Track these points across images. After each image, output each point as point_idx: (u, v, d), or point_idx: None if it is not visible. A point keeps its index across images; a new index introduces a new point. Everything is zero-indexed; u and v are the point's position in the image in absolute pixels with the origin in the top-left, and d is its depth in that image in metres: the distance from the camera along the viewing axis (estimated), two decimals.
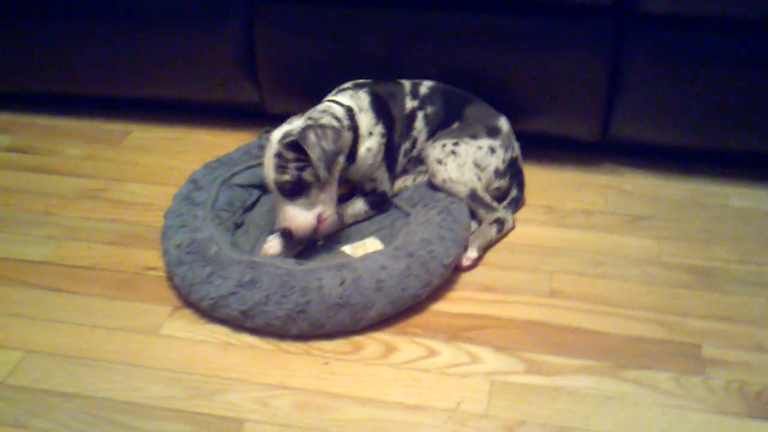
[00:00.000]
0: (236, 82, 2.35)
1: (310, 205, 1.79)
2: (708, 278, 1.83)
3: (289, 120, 1.84)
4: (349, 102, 1.91)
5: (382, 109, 1.96)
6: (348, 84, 2.03)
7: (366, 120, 1.92)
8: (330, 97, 1.96)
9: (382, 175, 1.98)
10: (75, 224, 2.04)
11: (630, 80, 2.09)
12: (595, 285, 1.82)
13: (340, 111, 1.87)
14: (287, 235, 1.81)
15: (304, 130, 1.75)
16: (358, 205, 1.97)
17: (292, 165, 1.75)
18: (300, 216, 1.79)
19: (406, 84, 2.08)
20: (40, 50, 2.40)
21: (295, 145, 1.75)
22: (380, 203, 1.99)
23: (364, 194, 1.98)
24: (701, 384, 1.54)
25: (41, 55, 2.41)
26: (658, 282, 1.82)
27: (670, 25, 2.01)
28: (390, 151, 1.98)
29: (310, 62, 2.25)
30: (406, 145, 2.04)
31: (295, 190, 1.77)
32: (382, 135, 1.94)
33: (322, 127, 1.77)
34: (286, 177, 1.75)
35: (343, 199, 1.96)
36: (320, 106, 1.89)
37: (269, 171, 1.78)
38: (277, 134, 1.79)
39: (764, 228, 2.01)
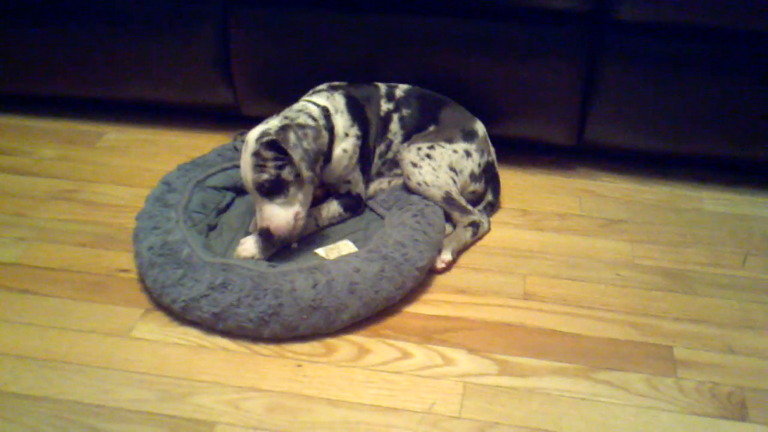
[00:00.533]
0: (211, 84, 2.34)
1: (289, 204, 1.78)
2: (681, 281, 1.84)
3: (265, 120, 1.83)
4: (324, 103, 1.91)
5: (357, 110, 1.96)
6: (323, 86, 2.02)
7: (342, 121, 1.91)
8: (305, 97, 1.95)
9: (357, 177, 1.97)
10: (46, 226, 2.01)
11: (605, 86, 2.10)
12: (569, 287, 1.82)
13: (316, 111, 1.87)
14: (266, 234, 1.79)
15: (284, 129, 1.74)
16: (332, 207, 1.96)
17: (270, 164, 1.74)
18: (280, 215, 1.77)
19: (382, 87, 2.08)
20: (13, 51, 2.38)
21: (273, 144, 1.74)
22: (355, 206, 1.99)
23: (339, 196, 1.98)
24: (673, 385, 1.55)
25: (15, 55, 2.38)
26: (631, 284, 1.83)
27: (643, 32, 2.02)
28: (365, 154, 1.98)
29: (286, 65, 2.24)
30: (381, 148, 2.04)
31: (273, 190, 1.76)
32: (358, 137, 1.94)
33: (302, 127, 1.76)
34: (265, 176, 1.74)
35: (317, 202, 1.96)
36: (296, 106, 1.89)
37: (247, 171, 1.77)
38: (254, 134, 1.78)
39: (737, 232, 2.02)
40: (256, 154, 1.75)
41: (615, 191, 2.19)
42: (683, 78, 2.05)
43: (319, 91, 1.98)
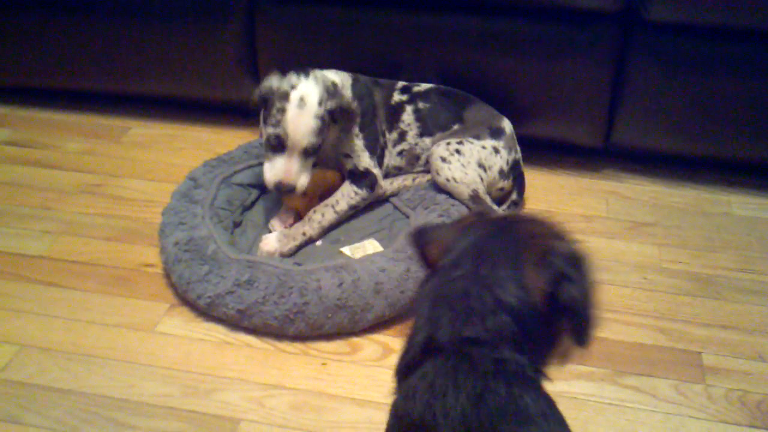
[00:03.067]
0: (237, 80, 2.34)
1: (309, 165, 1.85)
2: (709, 286, 1.82)
3: (289, 79, 1.82)
4: (331, 75, 1.92)
5: (361, 90, 1.98)
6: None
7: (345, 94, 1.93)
8: (314, 70, 1.93)
9: (357, 148, 1.96)
10: (72, 219, 2.02)
11: (633, 87, 2.08)
12: (596, 290, 1.80)
13: (329, 81, 1.89)
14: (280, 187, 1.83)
15: (351, 101, 1.87)
16: (345, 188, 1.95)
17: (325, 130, 1.81)
18: (304, 175, 1.83)
19: (399, 82, 2.09)
20: (40, 45, 2.39)
21: (333, 112, 1.81)
22: (368, 183, 1.97)
23: (348, 176, 1.97)
24: (702, 392, 1.53)
25: (42, 49, 2.39)
26: (659, 289, 1.81)
27: (674, 33, 2.00)
28: (373, 137, 1.98)
29: (311, 61, 2.21)
30: (393, 136, 2.04)
31: (313, 152, 1.82)
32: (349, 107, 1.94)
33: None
34: (319, 140, 1.81)
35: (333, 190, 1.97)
36: (318, 73, 1.88)
37: (305, 133, 1.78)
38: (312, 94, 1.79)
39: (766, 237, 2.00)
40: (321, 118, 1.79)
41: (642, 194, 2.17)
42: (713, 79, 2.02)
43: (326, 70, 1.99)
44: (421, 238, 1.02)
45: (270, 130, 1.79)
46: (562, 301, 0.92)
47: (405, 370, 0.94)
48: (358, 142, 1.96)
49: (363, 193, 1.96)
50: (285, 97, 1.78)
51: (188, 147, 2.36)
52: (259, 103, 1.84)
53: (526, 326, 0.90)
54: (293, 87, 1.79)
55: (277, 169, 1.81)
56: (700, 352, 1.63)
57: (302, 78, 1.81)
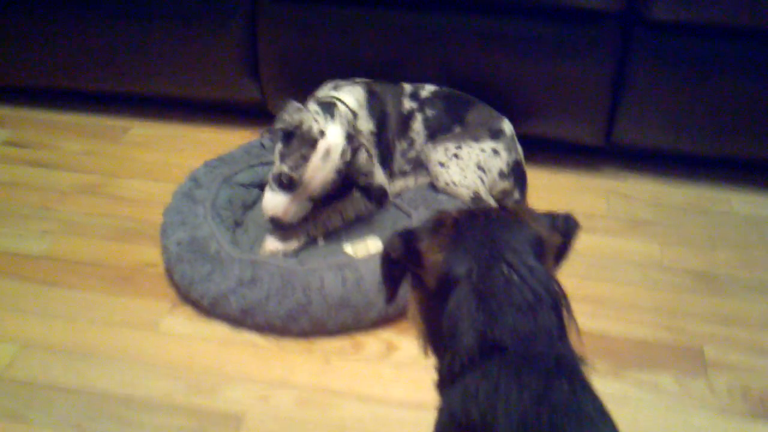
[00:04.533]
0: (238, 80, 2.34)
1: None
2: (711, 283, 1.83)
3: (316, 120, 1.78)
4: (351, 102, 1.91)
5: (376, 105, 1.97)
6: (346, 81, 2.01)
7: (363, 119, 1.92)
8: (333, 93, 1.94)
9: (371, 165, 1.95)
10: (73, 219, 2.02)
11: (634, 85, 2.08)
12: (598, 288, 1.81)
13: (350, 115, 1.87)
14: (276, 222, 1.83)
15: (358, 149, 1.83)
16: (356, 200, 1.95)
17: (339, 180, 1.82)
18: (301, 213, 1.84)
19: (407, 86, 2.07)
20: (40, 44, 2.38)
21: (350, 164, 1.82)
22: (379, 197, 1.97)
23: (361, 189, 1.97)
24: (704, 386, 1.54)
25: (41, 49, 2.39)
26: (661, 286, 1.82)
27: (675, 32, 2.01)
28: (384, 147, 1.98)
29: (313, 62, 2.24)
30: (403, 146, 2.04)
31: (319, 198, 1.85)
32: (371, 132, 1.94)
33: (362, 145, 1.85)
34: (330, 189, 1.82)
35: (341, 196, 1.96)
36: (341, 108, 1.87)
37: (320, 184, 1.78)
38: (335, 149, 1.77)
39: (767, 234, 2.00)
40: (339, 171, 1.79)
41: (642, 192, 2.18)
42: (713, 78, 2.03)
43: (341, 85, 1.98)
44: (410, 237, 0.97)
45: (285, 169, 1.75)
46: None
47: (452, 376, 0.91)
48: (373, 161, 1.96)
49: (372, 206, 1.97)
50: (312, 144, 1.74)
51: (189, 147, 2.36)
52: (279, 134, 1.79)
53: (561, 316, 0.91)
54: (322, 135, 1.75)
55: (278, 206, 1.79)
56: (702, 347, 1.64)
57: (329, 122, 1.78)
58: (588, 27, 2.03)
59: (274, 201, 1.79)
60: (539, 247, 0.95)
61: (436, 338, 0.97)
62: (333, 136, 1.76)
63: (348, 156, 1.79)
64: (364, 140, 1.84)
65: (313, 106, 1.84)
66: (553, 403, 0.83)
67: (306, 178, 1.76)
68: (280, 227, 1.83)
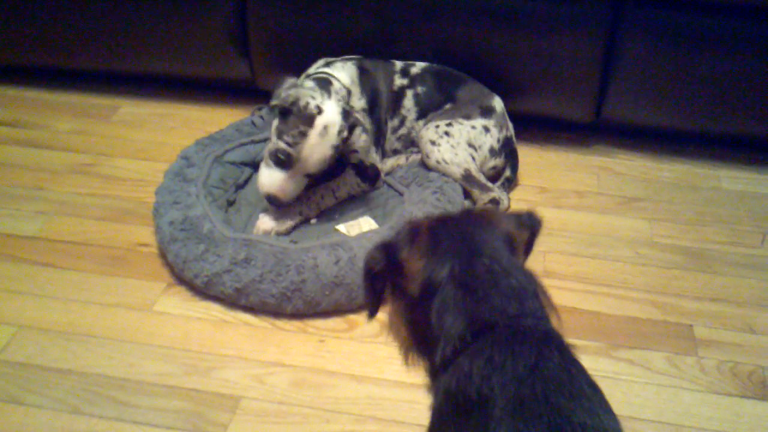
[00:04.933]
0: (228, 58, 2.33)
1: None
2: (700, 260, 1.85)
3: (313, 96, 1.78)
4: (345, 79, 1.90)
5: (368, 82, 1.96)
6: (338, 58, 2.01)
7: (355, 96, 1.92)
8: (325, 69, 1.93)
9: (365, 144, 1.96)
10: (66, 199, 2.02)
11: (624, 61, 2.08)
12: (589, 265, 1.83)
13: (344, 92, 1.87)
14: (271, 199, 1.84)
15: (354, 125, 1.84)
16: (349, 178, 1.95)
17: (335, 156, 1.82)
18: (297, 191, 1.85)
19: (398, 63, 2.07)
20: (29, 23, 2.36)
21: (347, 139, 1.83)
22: (372, 176, 1.98)
23: (354, 167, 1.97)
24: (694, 364, 1.56)
25: (30, 27, 2.37)
26: (650, 263, 1.84)
27: (665, 7, 2.01)
28: (376, 125, 1.98)
29: (303, 39, 2.22)
30: (394, 123, 2.04)
31: (315, 175, 1.85)
32: (364, 110, 1.94)
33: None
34: (327, 166, 1.82)
35: (334, 174, 1.96)
36: (334, 85, 1.86)
37: (318, 161, 1.78)
38: (333, 125, 1.76)
39: (755, 210, 2.02)
40: (336, 147, 1.79)
41: (632, 169, 2.19)
42: (703, 54, 2.03)
43: (333, 62, 1.97)
44: (390, 249, 1.01)
45: (282, 145, 1.75)
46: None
47: (445, 363, 0.94)
48: (366, 138, 1.96)
49: (365, 185, 1.97)
50: (309, 121, 1.74)
51: (179, 126, 2.35)
52: (275, 110, 1.79)
53: (542, 304, 0.96)
54: (319, 111, 1.75)
55: (274, 183, 1.79)
56: (691, 325, 1.66)
57: (326, 98, 1.78)
58: (578, 2, 2.03)
59: (271, 178, 1.79)
60: (511, 244, 1.02)
61: (422, 341, 1.00)
62: (330, 112, 1.76)
63: (345, 133, 1.80)
64: (359, 117, 1.84)
65: (308, 82, 1.84)
66: (545, 375, 0.86)
67: (304, 154, 1.76)
68: (276, 205, 1.83)
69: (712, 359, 1.57)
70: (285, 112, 1.75)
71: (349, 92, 1.89)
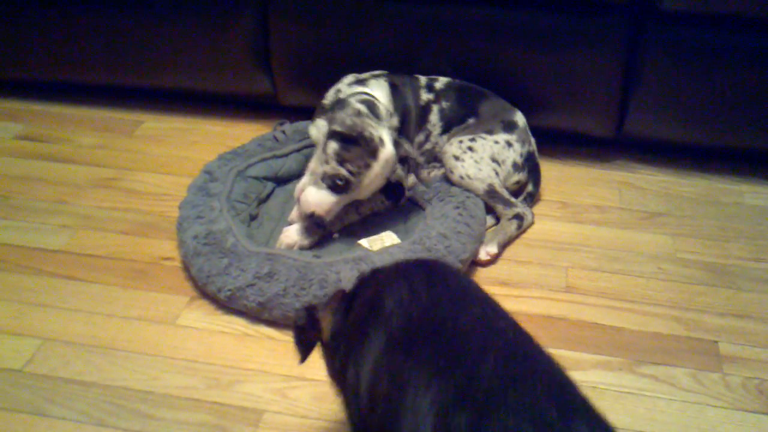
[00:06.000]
0: (250, 73, 2.35)
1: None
2: (724, 275, 1.84)
3: (375, 128, 1.79)
4: (383, 100, 1.91)
5: (398, 99, 1.97)
6: (366, 74, 2.01)
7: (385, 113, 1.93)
8: (361, 88, 1.93)
9: (402, 171, 1.97)
10: (89, 213, 2.03)
11: (645, 77, 2.08)
12: (611, 280, 1.82)
13: (388, 117, 1.90)
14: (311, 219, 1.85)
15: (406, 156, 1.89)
16: (373, 195, 1.96)
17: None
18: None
19: (422, 78, 2.08)
20: (52, 38, 2.39)
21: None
22: (396, 193, 1.98)
23: None
24: (719, 381, 1.55)
25: (54, 43, 2.40)
26: (674, 278, 1.83)
27: (686, 23, 2.01)
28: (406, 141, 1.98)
29: (325, 54, 2.24)
30: (419, 138, 2.04)
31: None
32: (397, 129, 1.94)
33: None
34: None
35: None
36: (381, 108, 1.88)
37: (373, 189, 1.83)
38: (391, 158, 1.79)
39: None
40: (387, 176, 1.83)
41: (654, 184, 2.18)
42: (724, 69, 2.03)
43: (365, 80, 1.97)
44: (310, 310, 1.21)
45: (343, 172, 1.75)
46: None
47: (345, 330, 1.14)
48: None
49: (389, 203, 1.98)
50: (374, 154, 1.75)
51: (201, 140, 2.37)
52: (335, 136, 1.77)
53: None
54: (382, 143, 1.76)
55: (324, 205, 1.78)
56: (716, 341, 1.65)
57: (381, 127, 1.79)
58: (599, 18, 2.04)
59: (320, 198, 1.78)
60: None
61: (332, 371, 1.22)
62: (389, 145, 1.78)
63: (396, 163, 1.82)
64: (408, 149, 1.87)
65: (358, 105, 1.83)
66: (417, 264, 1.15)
67: (364, 183, 1.78)
68: (315, 224, 1.84)
69: (737, 376, 1.56)
70: (348, 140, 1.75)
71: (390, 113, 1.90)
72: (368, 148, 1.75)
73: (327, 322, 1.18)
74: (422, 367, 0.90)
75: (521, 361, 0.91)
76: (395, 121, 1.93)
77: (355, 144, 1.74)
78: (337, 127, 1.75)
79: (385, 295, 1.04)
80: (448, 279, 1.08)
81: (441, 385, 0.86)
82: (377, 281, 1.14)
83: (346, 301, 1.17)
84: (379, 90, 1.93)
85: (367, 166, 1.76)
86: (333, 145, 1.76)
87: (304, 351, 1.22)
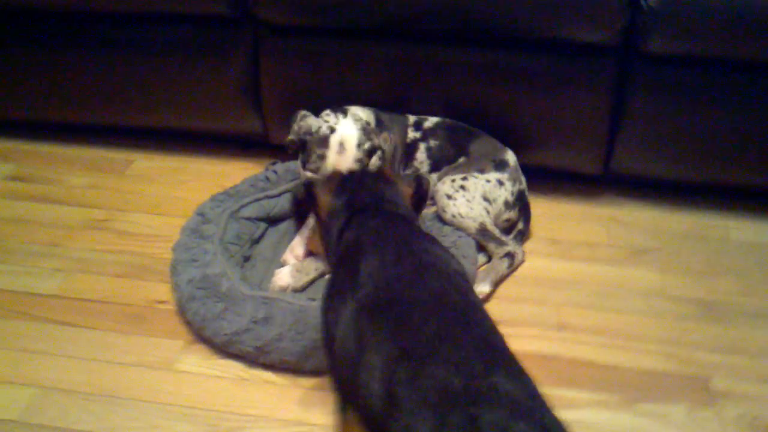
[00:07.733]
0: (241, 112, 2.36)
1: None
2: (713, 311, 1.87)
3: (327, 121, 1.86)
4: (364, 116, 1.95)
5: (382, 127, 2.01)
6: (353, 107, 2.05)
7: None
8: (347, 106, 1.98)
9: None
10: (82, 256, 2.03)
11: (632, 116, 2.12)
12: (603, 318, 1.85)
13: (363, 121, 1.93)
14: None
15: (387, 137, 1.91)
16: None
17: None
18: None
19: (411, 117, 2.11)
20: (43, 78, 2.40)
21: (371, 152, 1.86)
22: None
23: None
24: (713, 417, 1.57)
25: (44, 82, 2.40)
26: (664, 314, 1.86)
27: (672, 64, 2.04)
28: None
29: (315, 94, 2.26)
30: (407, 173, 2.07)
31: None
32: (378, 157, 1.97)
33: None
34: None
35: None
36: (353, 111, 1.94)
37: (349, 165, 1.82)
38: (349, 140, 1.82)
39: (765, 261, 2.05)
40: (360, 160, 1.84)
41: (641, 220, 2.22)
42: (709, 108, 2.07)
43: (351, 106, 2.01)
44: (309, 186, 1.48)
45: (308, 174, 1.81)
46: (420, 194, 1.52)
47: (337, 244, 1.37)
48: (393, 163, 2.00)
49: None
50: (324, 142, 1.80)
51: (193, 180, 2.37)
52: (296, 144, 1.84)
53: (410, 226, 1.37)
54: (332, 131, 1.80)
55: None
56: (708, 377, 1.67)
57: (340, 118, 1.84)
58: (586, 60, 2.07)
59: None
60: (398, 192, 1.46)
61: (328, 249, 1.42)
62: (344, 129, 1.82)
63: (366, 145, 1.83)
64: (380, 141, 1.89)
65: (324, 112, 1.89)
66: (395, 229, 1.32)
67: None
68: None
69: (731, 412, 1.59)
70: (303, 144, 1.80)
71: (368, 123, 1.94)
72: (317, 139, 1.81)
73: (325, 201, 1.44)
74: (379, 332, 1.08)
75: (461, 326, 1.06)
76: (378, 135, 1.96)
77: (308, 144, 1.81)
78: (290, 136, 1.83)
79: (361, 265, 1.22)
80: (415, 254, 1.23)
81: (390, 345, 1.05)
82: (360, 224, 1.37)
83: (341, 184, 1.46)
84: (361, 111, 1.97)
85: (323, 157, 1.81)
86: (300, 157, 1.86)
87: (302, 213, 1.62)
